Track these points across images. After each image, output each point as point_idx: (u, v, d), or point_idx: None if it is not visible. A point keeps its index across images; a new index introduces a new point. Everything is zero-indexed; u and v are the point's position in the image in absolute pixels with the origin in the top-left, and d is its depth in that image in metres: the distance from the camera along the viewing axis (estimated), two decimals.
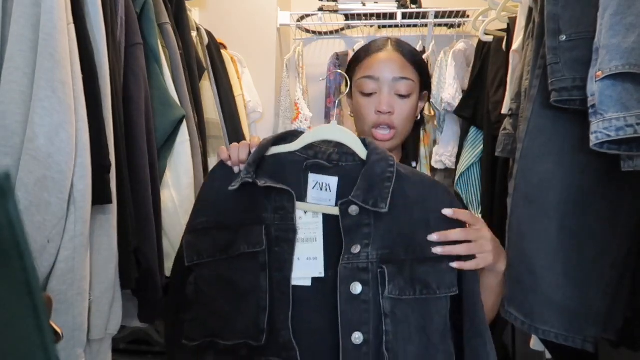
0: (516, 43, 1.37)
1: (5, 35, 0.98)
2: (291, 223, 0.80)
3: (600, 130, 0.76)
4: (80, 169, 1.03)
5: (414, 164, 1.23)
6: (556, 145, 1.00)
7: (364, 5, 2.44)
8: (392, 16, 2.43)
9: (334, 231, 0.81)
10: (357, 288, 0.76)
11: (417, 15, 2.40)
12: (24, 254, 0.29)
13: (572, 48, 0.90)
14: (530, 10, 1.17)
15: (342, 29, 2.68)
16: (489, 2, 1.82)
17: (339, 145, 0.86)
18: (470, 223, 0.83)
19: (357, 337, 0.75)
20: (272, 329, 0.76)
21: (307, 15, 2.56)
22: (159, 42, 1.45)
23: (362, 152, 0.85)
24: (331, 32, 2.68)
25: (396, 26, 2.53)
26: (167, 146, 1.44)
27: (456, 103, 2.08)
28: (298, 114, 2.42)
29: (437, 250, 0.79)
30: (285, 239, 0.80)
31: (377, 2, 2.45)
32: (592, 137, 0.78)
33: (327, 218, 0.82)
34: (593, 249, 0.98)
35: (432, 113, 2.26)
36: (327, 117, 2.52)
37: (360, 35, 2.65)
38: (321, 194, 0.83)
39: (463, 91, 2.12)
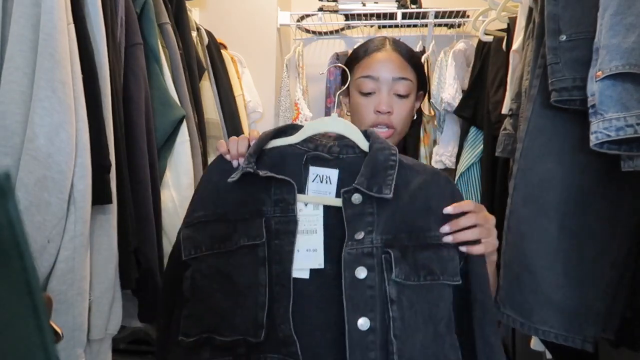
0: (516, 43, 1.37)
1: (5, 35, 0.98)
2: (292, 214, 0.80)
3: (600, 130, 0.76)
4: (80, 169, 1.03)
5: None
6: (556, 145, 1.00)
7: (364, 5, 2.44)
8: (392, 16, 2.43)
9: (334, 223, 0.80)
10: (362, 273, 0.75)
11: (417, 15, 2.40)
12: (24, 254, 0.29)
13: (572, 48, 0.90)
14: (530, 10, 1.17)
15: (342, 29, 2.68)
16: (489, 2, 1.82)
17: (340, 138, 0.86)
18: (474, 211, 0.82)
19: (363, 324, 0.73)
20: (271, 324, 0.75)
21: (307, 15, 2.56)
22: (159, 42, 1.45)
23: (363, 144, 0.85)
24: (331, 32, 2.68)
25: (396, 26, 2.53)
26: (167, 146, 1.44)
27: (456, 103, 2.08)
28: (298, 114, 2.42)
29: (448, 239, 0.79)
30: (285, 231, 0.79)
31: (377, 2, 2.45)
32: (592, 137, 0.78)
33: (327, 210, 0.82)
34: (593, 249, 0.98)
35: (432, 113, 2.26)
36: None
37: (360, 36, 2.65)
38: (321, 186, 0.83)
39: (463, 91, 2.12)
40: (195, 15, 2.33)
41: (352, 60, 1.14)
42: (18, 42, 0.97)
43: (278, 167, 0.83)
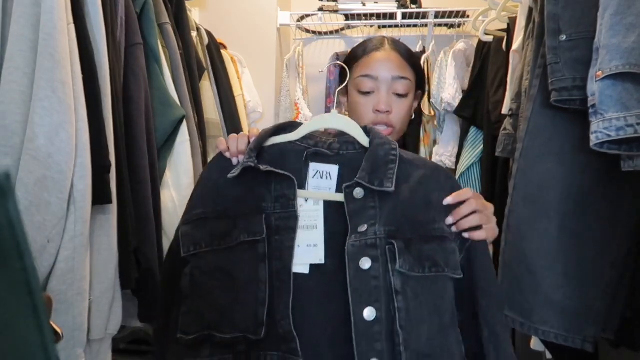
0: (516, 43, 1.38)
1: (5, 35, 0.98)
2: (292, 210, 0.80)
3: (601, 130, 0.76)
4: (80, 169, 1.03)
5: None
6: (556, 145, 1.00)
7: (364, 5, 2.44)
8: (392, 16, 2.43)
9: (335, 219, 0.80)
10: (366, 264, 0.75)
11: (417, 15, 2.40)
12: (24, 254, 0.29)
13: (572, 48, 0.90)
14: (530, 10, 1.17)
15: (342, 29, 2.68)
16: (489, 2, 1.82)
17: (340, 135, 0.87)
18: (473, 198, 0.82)
19: (369, 314, 0.73)
20: (271, 321, 0.74)
21: (307, 15, 2.56)
22: (159, 42, 1.45)
23: (363, 139, 0.85)
24: (331, 32, 2.68)
25: (396, 26, 2.53)
26: (167, 146, 1.44)
27: (456, 103, 2.08)
28: (298, 114, 2.42)
29: (452, 228, 0.80)
30: (286, 227, 0.79)
31: (377, 2, 2.45)
32: (593, 137, 0.78)
33: (327, 206, 0.82)
34: (593, 249, 0.98)
35: (432, 113, 2.26)
36: None
37: (360, 35, 2.65)
38: (321, 182, 0.83)
39: (463, 91, 2.12)
40: (195, 15, 2.33)
41: (351, 60, 1.14)
42: (18, 42, 0.97)
43: (278, 164, 0.83)
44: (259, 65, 2.44)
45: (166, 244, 1.38)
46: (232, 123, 1.99)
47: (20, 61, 0.97)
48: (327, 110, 2.53)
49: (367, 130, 0.87)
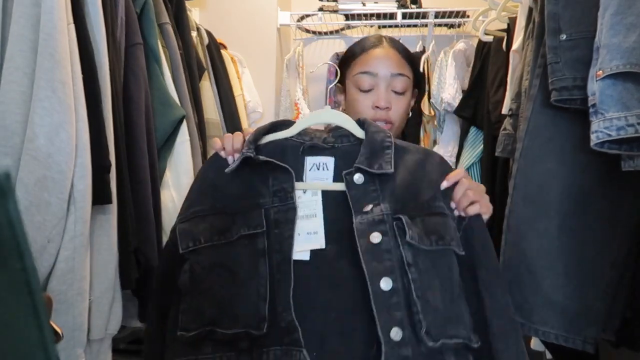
0: (516, 43, 1.37)
1: (5, 35, 0.98)
2: (291, 202, 0.80)
3: (601, 129, 0.76)
4: (80, 169, 1.03)
5: None
6: (556, 145, 1.00)
7: (364, 5, 2.44)
8: (392, 16, 2.43)
9: (334, 207, 0.82)
10: (376, 238, 0.76)
11: (417, 15, 2.40)
12: (24, 254, 0.29)
13: (572, 47, 0.90)
14: (530, 10, 1.17)
15: (342, 29, 2.68)
16: (489, 2, 1.82)
17: (334, 130, 0.89)
18: (464, 177, 0.85)
19: (386, 285, 0.73)
20: (273, 315, 0.73)
21: (307, 15, 2.56)
22: (159, 42, 1.45)
23: (358, 132, 0.88)
24: (331, 32, 2.68)
25: (396, 26, 2.53)
26: (167, 146, 1.44)
27: (456, 103, 2.08)
28: (298, 114, 2.42)
29: (455, 212, 0.83)
30: (284, 219, 0.80)
31: (377, 2, 2.45)
32: (593, 137, 0.78)
33: (325, 196, 0.83)
34: (593, 248, 0.98)
35: (432, 113, 2.26)
36: None
37: (360, 36, 2.64)
38: (318, 173, 0.85)
39: (463, 91, 2.12)
40: (195, 15, 2.33)
41: (349, 57, 1.14)
42: (18, 42, 0.97)
43: (275, 159, 0.84)
44: (259, 65, 2.44)
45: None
46: (232, 123, 1.99)
47: (20, 61, 0.97)
48: None
49: (360, 123, 0.89)
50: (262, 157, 0.82)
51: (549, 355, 1.32)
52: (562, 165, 0.99)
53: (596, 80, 0.78)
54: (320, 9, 2.47)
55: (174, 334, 0.78)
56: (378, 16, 2.46)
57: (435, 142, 2.30)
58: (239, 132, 0.89)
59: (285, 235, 0.78)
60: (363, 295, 0.73)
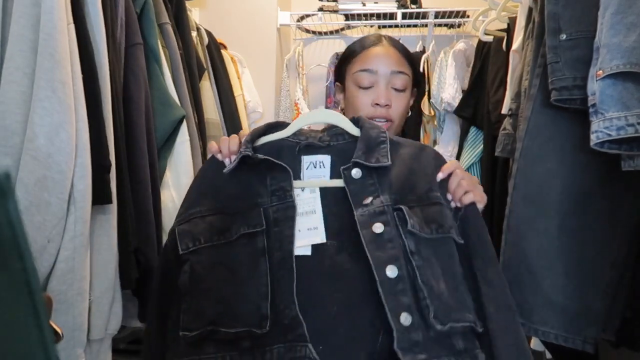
0: (516, 43, 1.37)
1: (5, 35, 0.98)
2: (290, 200, 0.81)
3: (601, 129, 0.76)
4: (80, 169, 1.03)
5: None
6: (556, 145, 1.00)
7: (364, 5, 2.44)
8: (392, 16, 2.43)
9: (332, 204, 0.83)
10: (378, 228, 0.77)
11: (417, 15, 2.40)
12: (24, 254, 0.29)
13: (572, 47, 0.90)
14: (530, 10, 1.17)
15: (342, 29, 2.68)
16: (489, 2, 1.82)
17: (329, 128, 0.91)
18: (457, 168, 0.88)
19: (392, 272, 0.73)
20: (275, 313, 0.73)
21: (307, 15, 2.56)
22: (159, 42, 1.45)
23: (353, 129, 0.90)
24: (331, 32, 2.68)
25: (396, 26, 2.53)
26: (167, 146, 1.44)
27: (456, 103, 2.08)
28: (298, 114, 2.42)
29: (452, 204, 0.84)
30: (284, 217, 0.80)
31: (377, 2, 2.45)
32: (593, 137, 0.78)
33: (324, 193, 0.84)
34: (593, 248, 0.98)
35: (432, 113, 2.26)
36: None
37: (360, 35, 2.64)
38: (315, 171, 0.87)
39: (463, 91, 2.12)
40: (195, 15, 2.33)
41: (348, 56, 1.14)
42: (18, 42, 0.97)
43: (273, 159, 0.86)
44: (259, 65, 2.44)
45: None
46: (232, 123, 1.99)
47: (20, 61, 0.97)
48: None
49: (355, 121, 0.91)
50: (260, 156, 0.83)
51: (548, 355, 1.32)
52: (562, 165, 0.99)
53: (596, 80, 0.78)
54: (320, 9, 2.47)
55: (175, 335, 0.78)
56: (378, 16, 2.46)
57: (435, 142, 2.30)
58: (235, 135, 0.91)
59: (286, 233, 0.79)
60: (366, 286, 0.74)
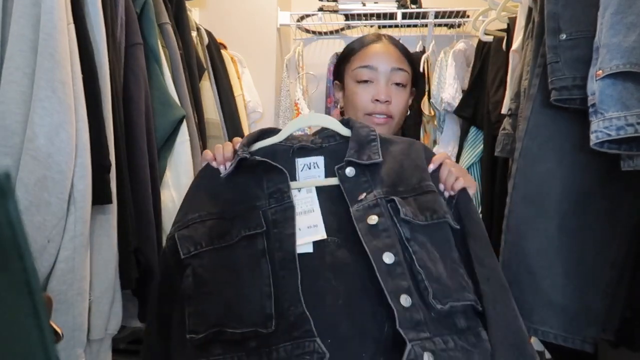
0: (516, 43, 1.37)
1: (5, 35, 0.98)
2: (288, 201, 0.83)
3: (601, 129, 0.76)
4: (80, 169, 1.03)
5: None
6: (556, 145, 1.00)
7: (364, 5, 2.44)
8: (392, 16, 2.43)
9: (329, 202, 0.85)
10: (373, 220, 0.79)
11: (417, 15, 2.40)
12: (24, 254, 0.29)
13: (572, 47, 0.90)
14: (530, 10, 1.17)
15: (342, 29, 2.68)
16: (489, 2, 1.82)
17: (321, 131, 0.94)
18: (446, 158, 0.91)
19: (389, 259, 0.75)
20: (280, 312, 0.74)
21: (307, 15, 2.56)
22: (159, 42, 1.45)
23: (343, 130, 0.93)
24: (331, 32, 2.68)
25: (396, 26, 2.53)
26: (167, 146, 1.44)
27: (456, 103, 2.08)
28: (298, 114, 2.42)
29: (445, 194, 0.87)
30: (283, 218, 0.82)
31: (377, 2, 2.45)
32: (592, 137, 0.78)
33: (320, 193, 0.86)
34: (593, 248, 0.98)
35: (432, 113, 2.26)
36: None
37: (360, 35, 2.64)
38: (310, 172, 0.89)
39: (463, 91, 2.12)
40: (195, 15, 2.33)
41: (348, 53, 1.14)
42: (18, 42, 0.97)
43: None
44: (259, 65, 2.44)
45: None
46: (232, 123, 1.99)
47: (20, 61, 0.97)
48: (327, 110, 2.53)
49: (345, 122, 0.94)
50: (258, 158, 0.85)
51: (548, 355, 1.32)
52: (562, 165, 0.99)
53: (596, 80, 0.78)
54: (320, 9, 2.47)
55: (182, 339, 0.78)
56: (378, 16, 2.46)
57: (435, 142, 2.30)
58: (228, 142, 0.92)
59: (287, 233, 0.80)
60: (368, 277, 0.75)
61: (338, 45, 2.70)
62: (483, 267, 0.80)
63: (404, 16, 2.42)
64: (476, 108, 2.02)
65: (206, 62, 1.93)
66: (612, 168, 0.86)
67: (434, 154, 0.92)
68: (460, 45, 2.22)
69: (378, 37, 1.13)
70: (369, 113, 1.07)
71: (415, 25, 2.50)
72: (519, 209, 1.04)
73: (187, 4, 1.80)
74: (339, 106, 1.19)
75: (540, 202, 1.01)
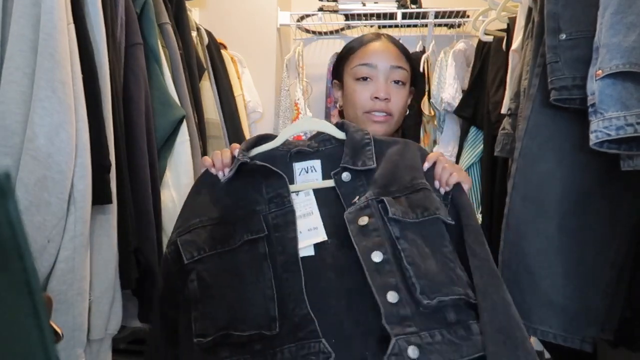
0: (516, 43, 1.37)
1: (5, 35, 0.98)
2: (288, 205, 0.85)
3: (600, 129, 0.76)
4: (80, 169, 1.03)
5: None
6: (556, 145, 1.00)
7: (364, 5, 2.44)
8: (392, 16, 2.43)
9: (327, 205, 0.86)
10: (363, 220, 0.81)
11: (417, 15, 2.40)
12: (24, 254, 0.29)
13: (572, 47, 0.90)
14: (530, 10, 1.17)
15: (342, 29, 2.67)
16: (489, 2, 1.82)
17: (316, 135, 0.96)
18: (440, 156, 0.93)
19: (377, 257, 0.77)
20: (283, 314, 0.75)
21: (307, 15, 2.56)
22: (159, 42, 1.45)
23: (338, 134, 0.95)
24: (331, 32, 2.68)
25: (396, 26, 2.53)
26: (167, 146, 1.44)
27: (456, 103, 2.08)
28: (298, 114, 2.42)
29: (441, 190, 0.89)
30: (284, 222, 0.83)
31: (377, 2, 2.45)
32: (592, 136, 0.78)
33: (318, 196, 0.88)
34: (592, 248, 0.98)
35: (432, 113, 2.25)
36: (327, 117, 2.52)
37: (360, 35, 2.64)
38: (308, 175, 0.91)
39: (463, 91, 2.11)
40: (195, 15, 2.33)
41: (347, 53, 1.14)
42: (18, 42, 0.97)
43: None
44: (259, 65, 2.44)
45: (166, 243, 1.37)
46: (232, 123, 1.99)
47: (20, 61, 0.97)
48: (328, 110, 2.53)
49: (339, 126, 0.95)
50: (258, 162, 0.87)
51: (547, 355, 1.32)
52: (562, 165, 0.99)
53: (595, 80, 0.78)
54: (320, 9, 2.47)
55: (189, 343, 0.79)
56: (378, 16, 2.46)
57: (435, 142, 2.30)
58: (226, 149, 0.94)
59: (289, 237, 0.81)
60: (366, 276, 0.76)
61: (338, 45, 2.70)
62: (475, 257, 0.82)
63: (404, 16, 2.42)
64: (476, 108, 2.02)
65: (206, 62, 1.93)
66: (611, 168, 0.86)
67: (427, 152, 0.94)
68: (460, 45, 2.22)
69: (377, 36, 1.14)
70: (368, 111, 1.07)
71: (415, 25, 2.50)
72: (518, 208, 1.04)
73: (187, 4, 1.80)
74: (338, 105, 1.19)
75: (540, 202, 1.01)
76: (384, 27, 2.58)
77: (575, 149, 0.97)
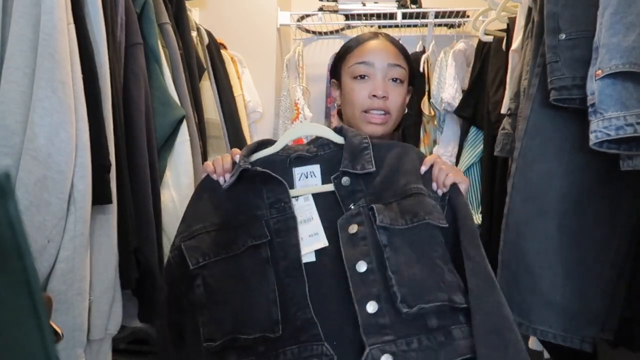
0: (515, 43, 1.38)
1: (5, 35, 0.98)
2: (290, 211, 0.86)
3: (600, 129, 0.76)
4: (80, 169, 1.03)
5: None
6: (555, 145, 1.00)
7: (364, 5, 2.44)
8: (392, 16, 2.43)
9: (326, 209, 0.87)
10: (353, 228, 0.82)
11: (417, 15, 2.40)
12: (24, 254, 0.29)
13: (571, 47, 0.90)
14: (530, 10, 1.17)
15: (342, 29, 2.67)
16: (489, 2, 1.82)
17: (315, 140, 0.96)
18: (437, 158, 0.93)
19: (361, 267, 0.78)
20: (286, 317, 0.77)
21: (307, 15, 2.56)
22: (159, 42, 1.45)
23: (337, 138, 0.95)
24: (331, 32, 2.68)
25: (396, 26, 2.53)
26: (167, 146, 1.44)
27: (456, 103, 2.08)
28: (298, 114, 2.42)
29: (438, 191, 0.89)
30: (286, 228, 0.85)
31: (377, 2, 2.45)
32: (592, 136, 0.78)
33: (317, 200, 0.89)
34: (592, 248, 0.98)
35: (432, 113, 2.25)
36: (327, 117, 2.52)
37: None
38: (307, 181, 0.92)
39: (463, 91, 2.11)
40: (195, 15, 2.33)
41: (345, 51, 1.14)
42: (18, 42, 0.97)
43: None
44: (259, 65, 2.44)
45: (166, 243, 1.38)
46: (232, 123, 1.99)
47: (20, 61, 0.97)
48: (328, 110, 2.53)
49: (338, 130, 0.96)
50: (259, 169, 0.88)
51: (547, 355, 1.32)
52: (561, 165, 0.99)
53: (595, 80, 0.78)
54: (320, 9, 2.47)
55: (197, 347, 0.81)
56: (378, 16, 2.46)
57: (435, 142, 2.30)
58: (227, 155, 0.95)
59: (292, 243, 0.83)
60: None
61: (338, 46, 2.67)
62: (470, 260, 0.82)
63: (404, 16, 2.42)
64: (476, 108, 2.02)
65: (206, 62, 1.93)
66: (611, 168, 0.86)
67: (424, 156, 0.94)
68: (460, 45, 2.22)
69: (374, 34, 1.13)
70: (366, 109, 1.07)
71: (415, 25, 2.50)
72: (518, 208, 1.04)
73: (187, 4, 1.80)
74: (336, 104, 1.19)
75: (539, 202, 1.01)
76: (384, 27, 2.57)
77: (575, 149, 0.97)
